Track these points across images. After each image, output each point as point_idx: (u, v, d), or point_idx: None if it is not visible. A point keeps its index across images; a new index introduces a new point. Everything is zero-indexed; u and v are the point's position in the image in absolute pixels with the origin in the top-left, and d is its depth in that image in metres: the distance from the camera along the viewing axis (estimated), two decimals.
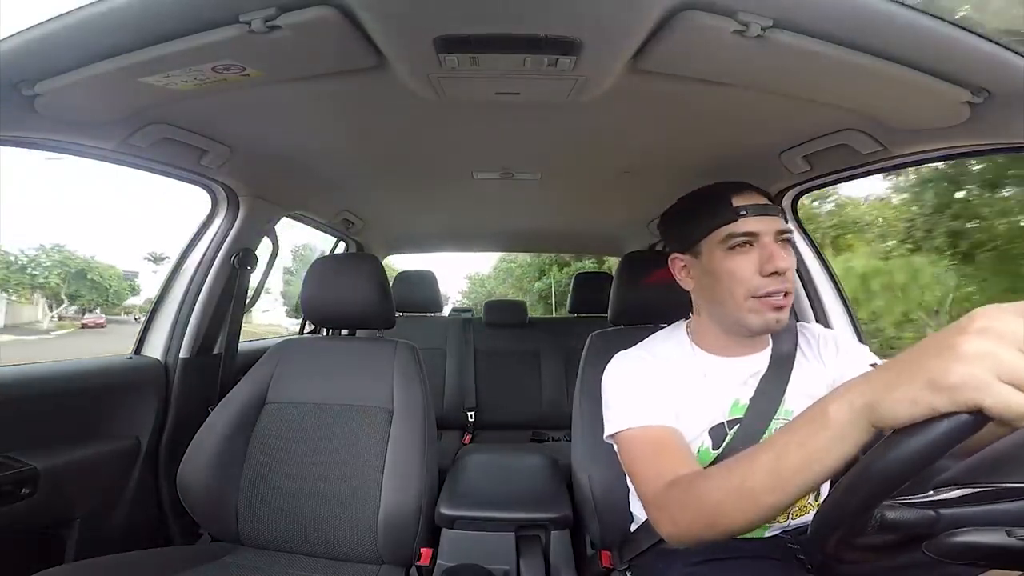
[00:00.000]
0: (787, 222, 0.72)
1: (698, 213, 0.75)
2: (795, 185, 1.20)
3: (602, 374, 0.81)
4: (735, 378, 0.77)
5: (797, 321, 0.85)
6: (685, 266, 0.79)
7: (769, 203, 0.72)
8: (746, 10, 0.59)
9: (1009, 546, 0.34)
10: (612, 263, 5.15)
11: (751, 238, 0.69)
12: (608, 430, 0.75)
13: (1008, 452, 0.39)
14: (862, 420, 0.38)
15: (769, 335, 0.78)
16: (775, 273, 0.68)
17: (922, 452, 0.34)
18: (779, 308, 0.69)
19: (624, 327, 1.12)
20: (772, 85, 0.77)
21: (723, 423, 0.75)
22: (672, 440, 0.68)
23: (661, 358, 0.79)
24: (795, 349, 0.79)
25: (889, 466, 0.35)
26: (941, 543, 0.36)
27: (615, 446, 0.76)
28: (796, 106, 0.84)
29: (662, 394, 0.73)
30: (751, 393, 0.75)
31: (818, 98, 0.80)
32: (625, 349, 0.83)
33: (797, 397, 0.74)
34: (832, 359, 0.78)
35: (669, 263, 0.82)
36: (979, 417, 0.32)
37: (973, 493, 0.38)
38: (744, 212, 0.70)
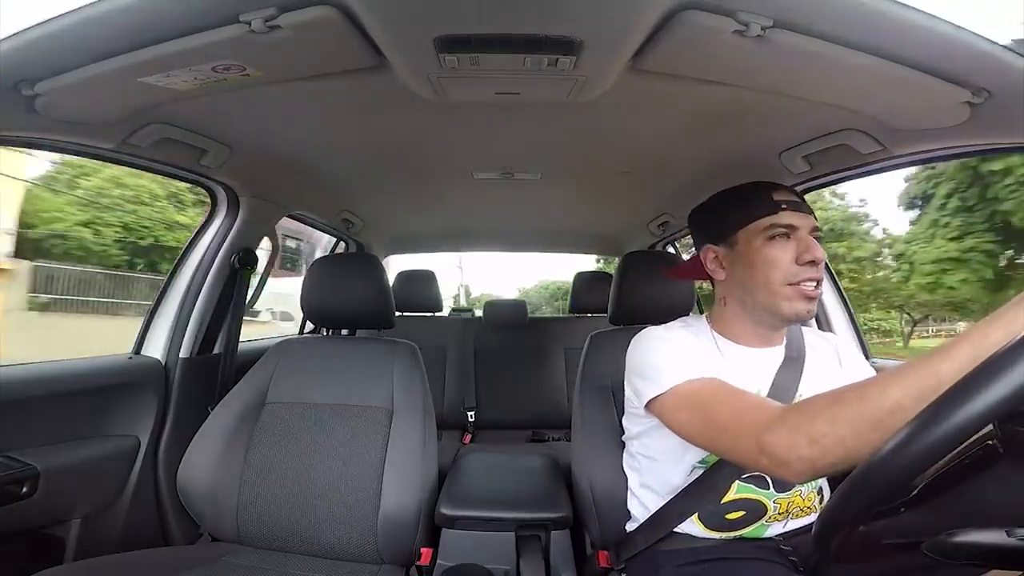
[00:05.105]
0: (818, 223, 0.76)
1: (737, 206, 0.78)
2: (795, 185, 1.20)
3: (602, 374, 0.81)
4: (753, 368, 0.78)
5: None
6: (717, 256, 0.81)
7: (804, 203, 0.76)
8: (746, 10, 0.59)
9: (1009, 546, 0.34)
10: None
11: (790, 230, 0.73)
12: (659, 389, 0.70)
13: None
14: None
15: (784, 332, 0.81)
16: (811, 263, 0.71)
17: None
18: (810, 299, 0.72)
19: (624, 327, 1.12)
20: (772, 85, 0.77)
21: None
22: (741, 388, 0.66)
23: (688, 336, 0.80)
24: (804, 347, 0.81)
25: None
26: (941, 543, 0.36)
27: (663, 408, 0.71)
28: (796, 106, 0.84)
29: (703, 360, 0.73)
30: (768, 385, 0.76)
31: (818, 98, 0.80)
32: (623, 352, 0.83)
33: (812, 392, 0.75)
34: (849, 361, 0.82)
35: (700, 254, 0.83)
36: None
37: None
38: (785, 206, 0.73)
